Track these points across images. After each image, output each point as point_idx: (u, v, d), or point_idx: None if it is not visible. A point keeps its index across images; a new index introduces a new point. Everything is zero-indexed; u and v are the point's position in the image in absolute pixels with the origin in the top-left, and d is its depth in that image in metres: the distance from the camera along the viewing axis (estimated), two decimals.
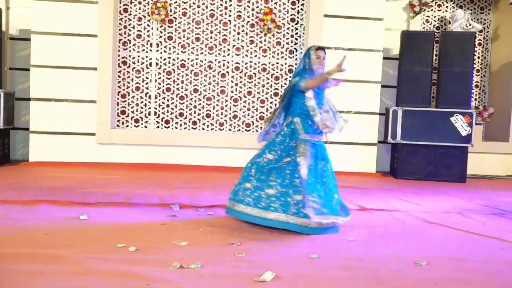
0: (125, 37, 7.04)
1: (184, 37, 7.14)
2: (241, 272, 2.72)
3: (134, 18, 7.04)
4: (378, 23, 7.11)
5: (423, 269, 2.93)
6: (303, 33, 7.19)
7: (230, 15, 7.16)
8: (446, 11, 8.01)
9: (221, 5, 7.13)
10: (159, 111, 7.15)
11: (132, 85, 7.10)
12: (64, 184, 5.34)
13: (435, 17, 8.01)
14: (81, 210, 4.11)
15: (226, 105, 7.22)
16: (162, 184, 5.58)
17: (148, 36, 7.09)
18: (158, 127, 7.15)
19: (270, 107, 7.18)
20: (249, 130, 7.17)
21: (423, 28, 7.93)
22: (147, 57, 7.09)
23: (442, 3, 8.00)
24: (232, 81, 7.18)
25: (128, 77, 7.09)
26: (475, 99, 8.24)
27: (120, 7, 6.97)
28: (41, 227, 3.55)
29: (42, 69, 6.73)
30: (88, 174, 6.07)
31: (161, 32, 7.10)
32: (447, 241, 3.63)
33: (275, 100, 7.19)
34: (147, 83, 7.12)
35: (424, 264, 3.00)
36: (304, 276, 2.72)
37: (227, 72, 7.20)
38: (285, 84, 7.23)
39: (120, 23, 7.00)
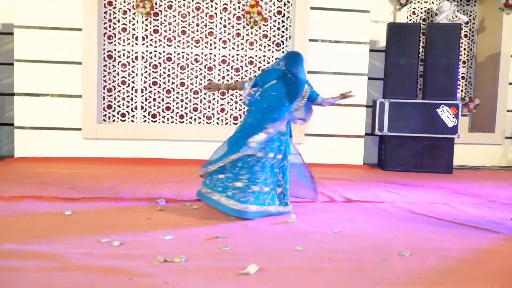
0: (110, 31, 6.97)
1: (170, 30, 7.09)
2: (226, 265, 2.72)
3: (119, 11, 6.97)
4: (364, 15, 7.11)
5: (406, 260, 2.94)
6: (290, 26, 7.17)
7: (216, 8, 7.12)
8: (433, 3, 8.02)
9: None
10: (145, 105, 7.10)
11: (118, 79, 7.04)
12: (49, 179, 5.30)
13: (421, 9, 8.02)
14: (66, 206, 4.07)
15: (213, 99, 7.19)
16: (148, 179, 5.56)
17: (133, 29, 7.03)
18: (145, 121, 7.11)
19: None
20: (237, 123, 7.16)
21: (410, 20, 7.94)
22: (132, 50, 7.04)
23: None
24: (219, 75, 7.15)
25: (114, 71, 7.03)
26: (461, 91, 8.29)
27: (104, 0, 6.90)
28: (24, 223, 3.52)
29: (26, 63, 6.65)
30: (74, 169, 6.03)
31: (146, 25, 7.04)
32: (432, 231, 3.66)
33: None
34: (133, 77, 7.07)
35: (407, 254, 3.02)
36: (289, 268, 2.72)
37: (214, 65, 7.16)
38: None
39: (104, 17, 6.93)
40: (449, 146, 7.05)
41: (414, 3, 7.93)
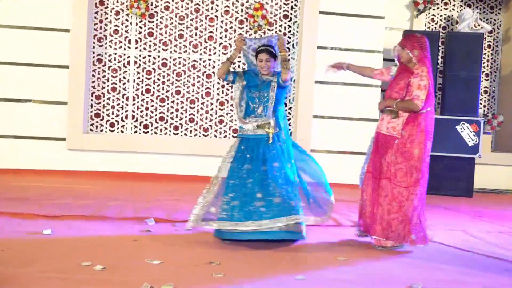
0: (100, 33, 7.03)
1: (166, 33, 7.14)
2: None
3: (111, 11, 7.04)
4: (378, 22, 7.16)
5: None
6: (297, 31, 7.22)
7: (217, 10, 7.18)
8: (453, 9, 8.08)
9: None
10: (137, 114, 7.13)
11: (108, 86, 7.08)
12: (28, 194, 5.30)
13: (441, 16, 8.08)
14: (46, 224, 4.07)
15: (212, 109, 7.21)
16: (137, 196, 5.55)
17: (126, 31, 7.08)
18: (136, 132, 7.13)
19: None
20: (236, 136, 7.16)
21: (428, 28, 7.99)
22: (124, 54, 7.08)
23: (449, 1, 8.08)
24: (218, 83, 7.18)
25: (104, 76, 7.07)
26: (484, 106, 8.30)
27: None
28: None
29: (7, 66, 6.70)
30: (56, 183, 6.04)
31: (140, 27, 7.09)
32: (447, 261, 3.64)
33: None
34: (124, 84, 7.11)
35: (420, 287, 3.00)
36: None
37: (213, 72, 7.20)
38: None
39: (95, 17, 6.99)
40: (469, 167, 7.04)
41: (433, 9, 7.99)
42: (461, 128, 6.97)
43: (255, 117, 4.03)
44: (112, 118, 7.10)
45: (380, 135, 3.98)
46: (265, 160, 3.92)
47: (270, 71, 4.04)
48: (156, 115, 7.16)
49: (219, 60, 7.19)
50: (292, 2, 7.25)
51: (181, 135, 7.19)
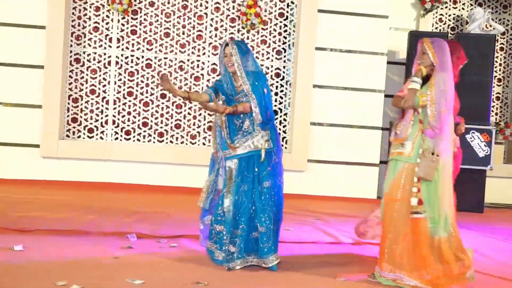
0: (79, 30, 7.03)
1: (150, 31, 7.15)
2: None
3: (90, 7, 7.04)
4: (382, 21, 7.21)
5: None
6: (293, 31, 7.25)
7: (206, 7, 7.21)
8: (463, 9, 8.16)
9: None
10: (118, 119, 7.12)
11: (86, 88, 7.07)
12: None
13: (449, 15, 8.15)
14: (16, 239, 4.05)
15: (200, 114, 7.22)
16: (118, 208, 5.54)
17: (107, 29, 7.09)
18: (116, 138, 7.12)
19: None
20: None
21: (435, 28, 8.06)
22: (105, 54, 7.08)
23: None
24: (207, 86, 7.19)
25: (82, 77, 7.06)
26: (496, 114, 8.36)
27: None
28: None
29: None
30: (28, 194, 6.01)
31: (123, 25, 7.10)
32: None
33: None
34: (104, 86, 7.10)
35: None
36: None
37: (202, 74, 7.21)
38: (271, 90, 7.26)
39: (73, 13, 6.99)
40: (479, 179, 7.07)
41: (441, 8, 8.06)
42: (471, 138, 7.01)
43: (243, 135, 3.90)
44: (91, 123, 7.08)
45: None
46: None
47: (240, 71, 3.88)
48: (139, 120, 7.16)
49: (208, 61, 7.20)
50: None
51: (167, 143, 7.18)
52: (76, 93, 7.04)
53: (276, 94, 7.30)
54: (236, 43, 3.93)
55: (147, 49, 7.15)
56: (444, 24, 8.13)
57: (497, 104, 8.37)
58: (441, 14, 8.13)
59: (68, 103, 7.02)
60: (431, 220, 3.66)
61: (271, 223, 3.82)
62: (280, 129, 7.26)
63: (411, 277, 3.53)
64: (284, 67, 7.31)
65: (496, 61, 8.22)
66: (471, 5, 8.17)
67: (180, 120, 7.21)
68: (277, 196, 3.93)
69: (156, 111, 7.18)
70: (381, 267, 3.63)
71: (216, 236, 3.87)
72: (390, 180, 3.75)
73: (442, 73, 3.67)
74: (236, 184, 3.84)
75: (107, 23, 7.08)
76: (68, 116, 7.02)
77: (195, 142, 7.22)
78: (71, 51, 6.99)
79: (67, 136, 7.03)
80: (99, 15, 7.06)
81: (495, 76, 8.26)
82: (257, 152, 3.88)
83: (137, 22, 7.12)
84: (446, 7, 8.11)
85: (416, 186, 3.63)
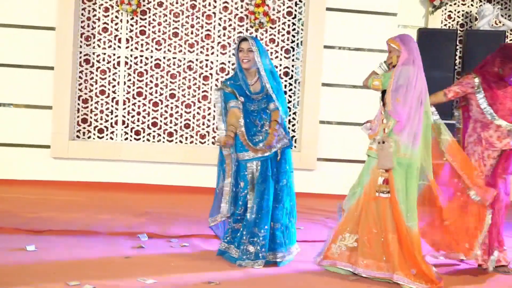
0: (88, 31, 7.06)
1: (159, 31, 7.16)
2: None
3: (99, 8, 7.07)
4: (390, 19, 7.18)
5: None
6: (302, 29, 7.24)
7: (215, 7, 7.21)
8: (472, 5, 8.11)
9: None
10: (128, 119, 7.15)
11: (96, 88, 7.10)
12: (9, 206, 5.31)
13: (458, 12, 8.10)
14: (29, 239, 4.08)
15: (209, 113, 7.23)
16: (129, 208, 5.56)
17: (116, 30, 7.11)
18: (126, 138, 7.14)
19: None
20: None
21: (444, 25, 8.02)
22: (114, 55, 7.11)
23: None
24: (216, 85, 7.20)
25: (91, 78, 7.09)
26: None
27: None
28: None
29: None
30: (39, 195, 6.04)
31: (131, 25, 7.12)
32: (474, 280, 3.64)
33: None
34: (114, 86, 7.13)
35: None
36: None
37: (211, 74, 7.22)
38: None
39: (82, 14, 7.02)
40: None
41: (450, 5, 8.02)
42: None
43: (264, 138, 3.89)
44: (101, 124, 7.11)
45: None
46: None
47: (262, 69, 3.89)
48: (148, 120, 7.17)
49: (217, 60, 7.21)
50: None
51: (176, 142, 7.20)
52: (86, 93, 7.07)
53: (285, 93, 7.29)
54: (255, 40, 3.91)
55: (156, 49, 7.17)
56: (453, 21, 8.09)
57: None
58: (450, 11, 8.08)
59: (78, 104, 7.05)
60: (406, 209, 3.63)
61: (288, 219, 3.88)
62: (289, 128, 7.25)
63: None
64: (292, 65, 7.30)
65: None
66: (480, 1, 8.12)
67: (190, 120, 7.22)
68: (292, 192, 3.99)
69: (166, 111, 7.19)
70: (364, 266, 3.60)
71: (232, 235, 3.88)
72: (364, 177, 3.82)
73: (402, 67, 3.71)
74: (258, 185, 3.85)
75: (116, 24, 7.10)
76: (78, 116, 7.05)
77: (205, 142, 7.23)
78: (80, 52, 7.02)
79: (77, 136, 7.06)
80: (108, 16, 7.08)
81: None
82: (275, 151, 3.89)
83: (146, 23, 7.13)
84: (455, 4, 8.06)
85: (383, 176, 3.65)
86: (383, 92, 3.85)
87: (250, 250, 3.74)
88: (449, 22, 8.08)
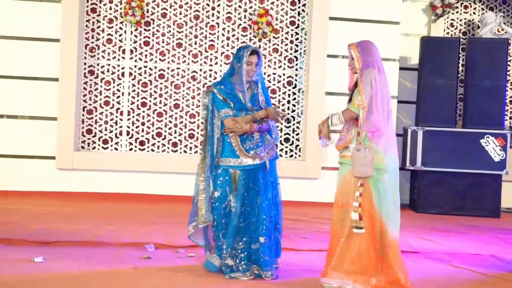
0: (92, 42, 7.09)
1: (163, 42, 7.19)
2: None
3: (103, 19, 7.10)
4: (393, 28, 7.21)
5: None
6: (305, 39, 7.27)
7: (218, 17, 7.24)
8: (474, 13, 8.13)
9: (208, 5, 7.21)
10: (132, 130, 7.16)
11: (101, 99, 7.12)
12: (15, 218, 5.32)
13: (460, 20, 8.13)
14: (36, 251, 4.08)
15: None
16: (134, 219, 5.56)
17: (120, 41, 7.14)
18: (131, 149, 7.15)
19: None
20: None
21: (447, 33, 8.04)
22: (118, 66, 7.13)
23: (470, 4, 8.14)
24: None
25: (96, 89, 7.12)
26: (510, 118, 8.31)
27: (87, 6, 7.04)
28: None
29: None
30: (45, 206, 6.05)
31: (136, 36, 7.15)
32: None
33: None
34: (118, 97, 7.15)
35: None
36: None
37: None
38: (284, 98, 7.28)
39: (87, 26, 7.06)
40: (495, 184, 7.03)
41: (452, 13, 8.04)
42: (485, 142, 6.98)
43: (255, 146, 3.83)
44: (105, 135, 7.13)
45: None
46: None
47: (259, 82, 3.92)
48: (153, 130, 7.19)
49: (220, 70, 7.23)
50: (299, 7, 7.31)
51: (180, 153, 7.20)
52: (90, 104, 7.09)
53: (288, 102, 7.32)
54: (259, 54, 3.89)
55: (160, 59, 7.19)
56: (455, 29, 8.12)
57: (511, 108, 8.32)
58: (452, 19, 8.11)
59: (83, 115, 7.07)
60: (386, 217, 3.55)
61: (273, 233, 3.82)
62: (293, 137, 7.27)
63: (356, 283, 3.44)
64: (296, 75, 7.32)
65: (509, 65, 8.17)
66: (482, 9, 8.15)
67: (194, 130, 7.23)
68: (279, 205, 3.95)
69: (170, 121, 7.21)
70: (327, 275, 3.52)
71: (217, 247, 3.80)
72: (338, 185, 3.74)
73: (364, 72, 3.58)
74: (241, 195, 3.76)
75: (120, 35, 7.13)
76: (83, 127, 7.07)
77: None
78: (85, 63, 7.05)
79: (82, 147, 7.07)
80: (112, 27, 7.12)
81: (508, 80, 8.21)
82: (262, 163, 3.84)
83: (149, 34, 7.17)
84: (457, 12, 8.09)
85: (359, 191, 3.53)
86: (350, 101, 3.75)
87: (229, 263, 3.68)
88: (452, 30, 8.10)
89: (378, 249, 3.52)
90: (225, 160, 3.84)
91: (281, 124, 7.04)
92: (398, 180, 3.66)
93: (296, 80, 7.33)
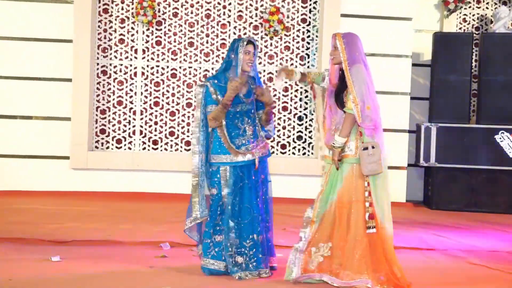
0: (105, 42, 7.12)
1: (175, 41, 7.21)
2: None
3: (115, 20, 7.13)
4: (405, 24, 7.17)
5: None
6: (317, 36, 7.25)
7: (229, 16, 7.25)
8: (487, 8, 8.07)
9: (219, 3, 7.22)
10: (145, 129, 7.19)
11: (114, 99, 7.15)
12: (31, 218, 5.36)
13: (473, 15, 8.07)
14: (53, 250, 4.11)
15: None
16: (149, 218, 5.58)
17: (132, 41, 7.16)
18: (144, 148, 7.18)
19: (278, 123, 7.21)
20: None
21: (460, 29, 7.99)
22: (131, 65, 7.16)
23: None
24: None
25: (109, 89, 7.15)
26: None
27: (99, 7, 7.07)
28: (5, 270, 3.55)
29: (5, 80, 6.80)
30: (60, 205, 6.09)
31: (147, 36, 7.17)
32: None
33: (287, 114, 7.22)
34: (131, 97, 7.18)
35: None
36: None
37: None
38: (294, 97, 7.27)
39: (99, 26, 7.09)
40: (510, 180, 6.98)
41: (465, 8, 7.99)
42: (500, 138, 6.93)
43: (247, 142, 3.77)
44: (119, 134, 7.16)
45: None
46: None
47: (255, 74, 3.88)
48: (165, 130, 7.21)
49: None
50: (310, 5, 7.29)
51: None
52: (103, 104, 7.13)
53: (300, 99, 7.31)
54: (255, 44, 3.82)
55: (172, 59, 7.21)
56: (468, 24, 8.06)
57: None
58: (465, 14, 8.05)
59: (96, 115, 7.11)
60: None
61: (265, 232, 3.78)
62: (305, 135, 7.26)
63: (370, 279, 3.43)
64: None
65: None
66: (495, 4, 8.07)
67: None
68: (270, 203, 3.91)
69: (183, 120, 7.22)
70: (339, 277, 3.48)
71: (215, 249, 3.71)
72: (338, 184, 3.66)
73: (353, 68, 3.57)
74: (234, 192, 3.72)
75: (132, 35, 7.16)
76: (96, 127, 7.11)
77: None
78: (98, 64, 7.09)
79: (96, 147, 7.11)
80: (124, 27, 7.14)
81: None
82: (254, 159, 3.78)
83: (161, 33, 7.18)
84: (469, 7, 8.03)
85: (367, 190, 3.52)
86: (337, 96, 3.73)
87: (239, 261, 3.67)
88: (464, 26, 8.04)
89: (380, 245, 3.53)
90: (217, 157, 3.80)
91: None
92: (388, 175, 3.65)
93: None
